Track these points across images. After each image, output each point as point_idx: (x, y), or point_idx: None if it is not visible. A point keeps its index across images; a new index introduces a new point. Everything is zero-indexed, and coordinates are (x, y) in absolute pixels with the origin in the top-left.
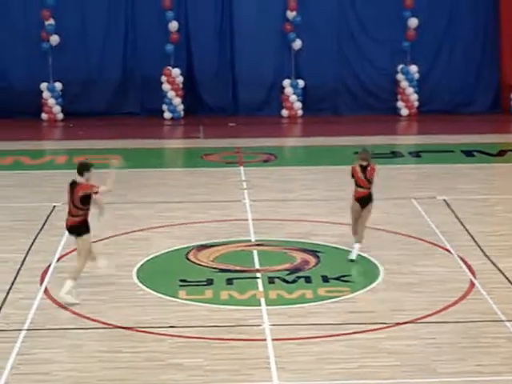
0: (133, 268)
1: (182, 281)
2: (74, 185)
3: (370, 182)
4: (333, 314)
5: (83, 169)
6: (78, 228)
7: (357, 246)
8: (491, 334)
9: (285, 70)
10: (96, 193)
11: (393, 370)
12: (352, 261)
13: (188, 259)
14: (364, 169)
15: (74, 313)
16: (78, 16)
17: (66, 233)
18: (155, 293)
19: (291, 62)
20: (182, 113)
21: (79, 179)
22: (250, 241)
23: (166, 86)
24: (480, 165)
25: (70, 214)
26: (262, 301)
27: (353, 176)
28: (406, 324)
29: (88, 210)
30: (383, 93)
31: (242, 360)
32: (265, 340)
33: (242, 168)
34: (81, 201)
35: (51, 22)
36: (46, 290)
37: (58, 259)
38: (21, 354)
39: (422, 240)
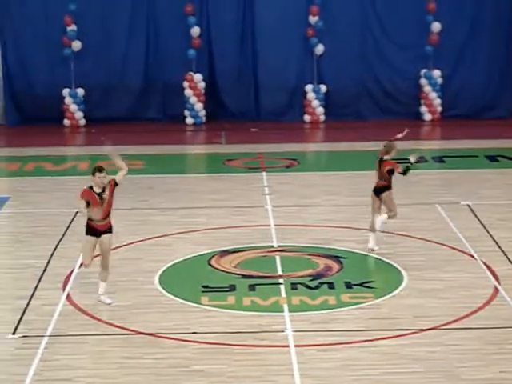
0: (155, 274)
1: (204, 287)
2: None
3: (383, 176)
4: (356, 320)
5: (92, 173)
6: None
7: (383, 216)
8: None
9: (307, 75)
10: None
11: (416, 377)
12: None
13: (210, 265)
14: (381, 162)
15: (97, 319)
16: (100, 21)
17: None
18: (178, 299)
19: (313, 67)
20: (204, 118)
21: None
22: (272, 246)
23: (187, 92)
24: (504, 170)
25: None
26: (285, 307)
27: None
28: (430, 330)
29: (89, 214)
30: (406, 97)
31: (265, 366)
32: (288, 346)
33: (264, 173)
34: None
35: (73, 27)
36: (68, 297)
37: (81, 265)
38: (43, 360)
39: (446, 246)
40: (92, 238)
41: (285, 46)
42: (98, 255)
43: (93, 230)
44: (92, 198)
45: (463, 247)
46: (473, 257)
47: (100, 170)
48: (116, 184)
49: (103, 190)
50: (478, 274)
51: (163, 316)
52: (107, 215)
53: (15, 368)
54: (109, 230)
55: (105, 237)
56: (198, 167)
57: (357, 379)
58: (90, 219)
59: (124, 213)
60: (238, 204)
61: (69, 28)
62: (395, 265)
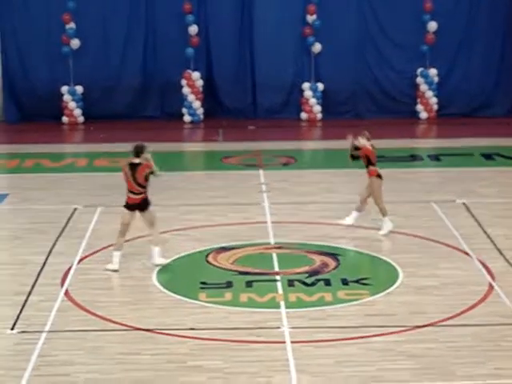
0: (153, 270)
1: (202, 283)
2: (134, 165)
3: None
4: (352, 316)
5: (140, 151)
6: (142, 204)
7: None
8: (511, 338)
9: (304, 74)
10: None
11: (412, 374)
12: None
13: (208, 262)
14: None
15: (95, 315)
16: (99, 19)
17: (87, 235)
18: (175, 295)
19: (311, 66)
20: (202, 116)
21: (138, 160)
22: (269, 243)
23: (185, 90)
24: (500, 168)
25: (132, 192)
26: (282, 303)
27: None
28: (425, 327)
29: (146, 186)
30: (402, 96)
31: (262, 362)
32: (284, 342)
33: (261, 171)
34: (146, 179)
35: (72, 25)
36: (66, 292)
37: (79, 261)
38: (42, 356)
39: (442, 243)
40: None
41: (282, 45)
42: None
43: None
44: None
45: (459, 245)
46: (468, 254)
47: (146, 147)
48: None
49: None
50: (474, 272)
51: (161, 312)
52: None
53: (14, 363)
54: None
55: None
56: (196, 164)
57: (353, 375)
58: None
59: (122, 210)
60: (235, 201)
61: (67, 26)
62: (391, 262)
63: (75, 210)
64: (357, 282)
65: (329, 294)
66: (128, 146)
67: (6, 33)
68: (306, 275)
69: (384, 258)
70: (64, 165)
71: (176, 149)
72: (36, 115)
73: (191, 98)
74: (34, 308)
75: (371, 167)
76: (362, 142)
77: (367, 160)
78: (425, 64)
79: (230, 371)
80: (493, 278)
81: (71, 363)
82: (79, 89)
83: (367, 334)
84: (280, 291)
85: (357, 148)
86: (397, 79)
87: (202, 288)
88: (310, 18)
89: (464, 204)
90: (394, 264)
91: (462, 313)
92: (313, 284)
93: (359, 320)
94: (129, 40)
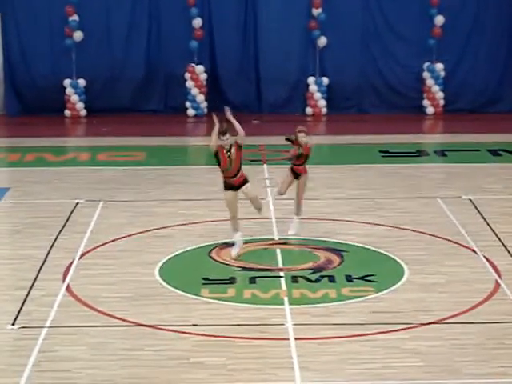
0: (155, 266)
1: (204, 279)
2: None
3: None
4: (356, 313)
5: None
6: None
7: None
8: None
9: (309, 68)
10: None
11: (416, 371)
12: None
13: (211, 257)
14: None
15: (97, 310)
16: (102, 12)
17: (89, 230)
18: (178, 291)
19: (316, 60)
20: (206, 110)
21: None
22: (273, 239)
23: (189, 83)
24: (506, 164)
25: None
26: (286, 300)
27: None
28: (431, 324)
29: (220, 171)
30: (409, 91)
31: (265, 359)
32: (288, 339)
33: (265, 166)
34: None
35: (75, 17)
36: (68, 288)
37: (81, 256)
38: (42, 352)
39: (447, 240)
40: (229, 192)
41: (287, 38)
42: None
43: (229, 185)
44: (223, 155)
45: (464, 241)
46: (474, 251)
47: (224, 132)
48: (240, 145)
49: (229, 150)
50: (479, 269)
51: (163, 308)
52: (237, 172)
53: (14, 359)
54: (244, 181)
55: (245, 187)
56: (199, 159)
57: (357, 373)
58: (225, 176)
59: (125, 204)
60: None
61: (70, 18)
62: (396, 258)
63: (77, 204)
64: (361, 278)
65: (333, 291)
66: (131, 140)
67: (8, 25)
68: (310, 271)
69: (389, 254)
70: (66, 159)
71: (180, 143)
72: (38, 108)
73: (195, 91)
74: (35, 303)
75: (304, 166)
76: (304, 140)
77: (305, 159)
78: (431, 58)
79: (232, 368)
80: (499, 275)
81: (72, 359)
82: (82, 82)
83: (371, 332)
84: (284, 287)
85: (290, 139)
86: (403, 73)
87: (204, 284)
88: (316, 12)
89: (470, 200)
90: (399, 260)
91: (468, 310)
92: (317, 280)
93: (363, 317)
94: (132, 33)
